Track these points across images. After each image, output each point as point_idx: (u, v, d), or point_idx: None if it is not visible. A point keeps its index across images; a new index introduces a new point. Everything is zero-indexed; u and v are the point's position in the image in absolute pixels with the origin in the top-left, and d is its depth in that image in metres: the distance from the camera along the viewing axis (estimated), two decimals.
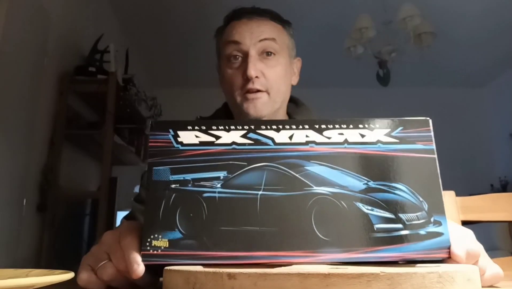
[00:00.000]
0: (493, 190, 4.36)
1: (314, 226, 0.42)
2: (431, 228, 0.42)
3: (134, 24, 3.58)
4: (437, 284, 0.32)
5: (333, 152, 0.45)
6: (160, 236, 0.42)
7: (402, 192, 0.44)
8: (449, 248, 0.42)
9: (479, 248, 0.45)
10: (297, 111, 0.95)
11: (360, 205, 0.43)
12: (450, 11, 3.40)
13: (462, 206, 0.97)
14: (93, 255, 0.47)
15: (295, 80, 0.94)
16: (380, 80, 3.18)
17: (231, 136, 0.46)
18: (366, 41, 2.91)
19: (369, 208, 0.43)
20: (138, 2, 3.31)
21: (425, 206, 0.43)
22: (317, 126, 0.46)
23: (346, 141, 0.46)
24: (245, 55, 0.83)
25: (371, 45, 2.98)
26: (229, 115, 0.94)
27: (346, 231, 0.42)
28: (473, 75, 4.68)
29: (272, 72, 0.84)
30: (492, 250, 3.32)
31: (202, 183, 0.44)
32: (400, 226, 0.42)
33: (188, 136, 0.46)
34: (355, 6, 3.12)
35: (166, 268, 0.39)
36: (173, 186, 0.44)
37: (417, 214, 0.43)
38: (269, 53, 0.84)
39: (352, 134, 0.46)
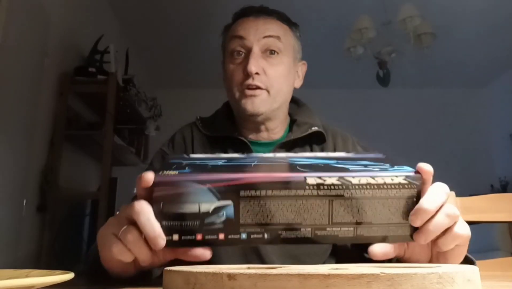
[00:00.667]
0: (493, 190, 4.35)
1: (299, 168, 0.48)
2: (396, 168, 0.48)
3: (134, 25, 3.58)
4: (437, 285, 0.32)
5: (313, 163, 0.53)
6: (170, 171, 0.46)
7: (367, 162, 0.51)
8: (415, 170, 0.46)
9: (453, 209, 0.46)
10: (298, 112, 0.95)
11: (335, 165, 0.50)
12: (450, 11, 3.40)
13: (462, 207, 0.97)
14: (112, 223, 0.47)
15: (298, 83, 0.93)
16: (380, 80, 3.18)
17: (233, 155, 0.59)
18: (366, 41, 2.91)
19: (342, 165, 0.49)
20: (138, 3, 3.31)
21: (388, 164, 0.49)
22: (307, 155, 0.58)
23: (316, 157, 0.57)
24: (248, 51, 0.83)
25: (371, 45, 2.98)
26: (229, 115, 0.94)
27: (327, 168, 0.49)
28: (473, 75, 4.68)
29: (274, 70, 0.84)
30: (492, 250, 3.32)
31: (207, 162, 0.53)
32: (370, 168, 0.47)
33: (197, 156, 0.58)
34: (355, 6, 3.12)
35: (166, 268, 0.39)
36: (184, 162, 0.52)
37: (382, 166, 0.48)
38: (273, 51, 0.84)
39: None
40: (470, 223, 0.92)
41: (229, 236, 0.43)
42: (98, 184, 2.50)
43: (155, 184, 0.44)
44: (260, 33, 0.84)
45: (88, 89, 2.45)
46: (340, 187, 0.44)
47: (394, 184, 0.44)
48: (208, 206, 0.43)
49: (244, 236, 0.44)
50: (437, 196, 0.44)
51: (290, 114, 0.94)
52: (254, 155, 0.59)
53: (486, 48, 4.04)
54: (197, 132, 0.92)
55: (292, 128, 0.91)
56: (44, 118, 2.24)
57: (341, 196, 0.44)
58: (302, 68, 0.94)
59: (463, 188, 1.69)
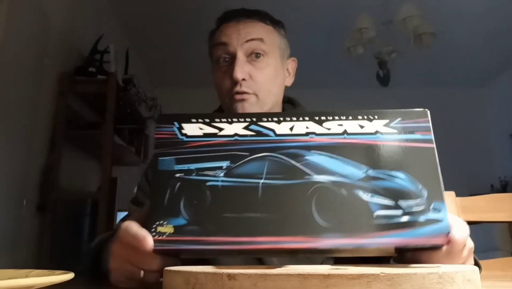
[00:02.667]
0: (493, 190, 4.35)
1: (314, 213, 0.42)
2: (430, 215, 0.42)
3: (134, 24, 3.58)
4: (437, 285, 0.32)
5: (333, 142, 0.46)
6: (165, 222, 0.43)
7: (401, 180, 0.44)
8: (448, 234, 0.42)
9: (471, 243, 0.47)
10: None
11: (360, 192, 0.43)
12: (450, 11, 3.40)
13: (462, 206, 0.97)
14: (120, 270, 0.49)
15: (289, 81, 0.92)
16: (380, 80, 3.18)
17: (234, 128, 0.47)
18: (366, 41, 2.91)
19: (369, 195, 0.43)
20: (138, 2, 3.31)
21: (425, 193, 0.44)
22: (317, 118, 0.48)
23: (345, 132, 0.47)
24: (233, 58, 0.82)
25: (371, 45, 2.98)
26: None
27: (346, 218, 0.42)
28: (473, 75, 4.67)
29: (261, 74, 0.83)
30: (492, 250, 3.32)
31: (205, 172, 0.45)
32: (399, 212, 0.43)
33: (192, 129, 0.47)
34: (355, 6, 3.12)
35: (166, 268, 0.39)
36: (177, 175, 0.45)
37: (416, 200, 0.43)
38: (258, 54, 0.83)
39: (351, 126, 0.47)
40: (470, 223, 0.92)
41: None
42: (98, 184, 2.50)
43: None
44: (242, 38, 0.82)
45: (88, 89, 2.45)
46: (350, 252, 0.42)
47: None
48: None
49: None
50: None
51: None
52: (264, 126, 0.47)
53: (486, 48, 4.03)
54: None
55: None
56: (44, 118, 2.24)
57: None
58: (292, 65, 0.93)
59: (463, 187, 1.69)
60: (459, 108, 4.93)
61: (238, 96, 0.82)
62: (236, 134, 0.47)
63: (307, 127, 0.47)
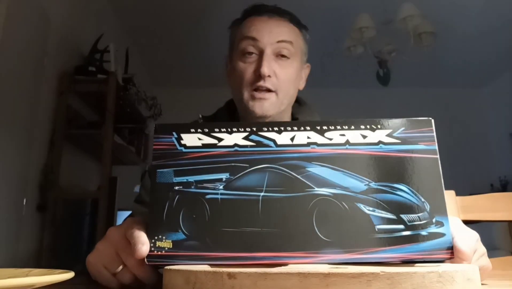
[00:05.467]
0: (493, 189, 4.35)
1: (315, 227, 0.42)
2: (433, 229, 0.42)
3: (134, 24, 3.58)
4: (437, 284, 0.32)
5: (335, 153, 0.45)
6: (164, 237, 0.43)
7: (404, 192, 0.44)
8: (451, 248, 0.42)
9: (483, 248, 0.46)
10: (299, 111, 0.95)
11: (361, 206, 0.43)
12: (451, 10, 3.40)
13: (462, 206, 0.97)
14: (102, 254, 0.48)
15: (302, 85, 0.94)
16: (380, 80, 3.18)
17: (233, 138, 0.46)
18: (366, 41, 2.91)
19: (371, 208, 0.43)
20: (138, 2, 3.31)
21: (427, 207, 0.43)
22: (318, 127, 0.47)
23: (347, 142, 0.46)
24: (261, 53, 0.83)
25: (371, 45, 2.98)
26: (231, 114, 0.94)
27: (347, 232, 0.42)
28: (473, 75, 4.67)
29: (284, 74, 0.84)
30: (492, 250, 3.32)
31: (205, 185, 0.45)
32: (401, 226, 0.42)
33: (191, 139, 0.47)
34: (355, 6, 3.11)
35: (166, 267, 0.39)
36: (176, 187, 0.45)
37: (419, 214, 0.43)
38: (284, 55, 0.85)
39: (353, 136, 0.46)
40: (470, 222, 0.93)
41: None
42: (98, 183, 2.50)
43: (148, 263, 0.43)
44: (274, 37, 0.84)
45: (88, 88, 2.44)
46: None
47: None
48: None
49: None
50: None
51: (292, 113, 0.95)
52: (265, 136, 0.46)
53: (486, 48, 4.03)
54: None
55: None
56: (44, 118, 2.24)
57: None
58: (306, 71, 0.95)
59: (463, 187, 1.69)
60: (459, 108, 4.93)
61: (258, 95, 0.82)
62: (236, 145, 0.46)
63: (308, 137, 0.46)
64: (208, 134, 0.47)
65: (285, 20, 0.87)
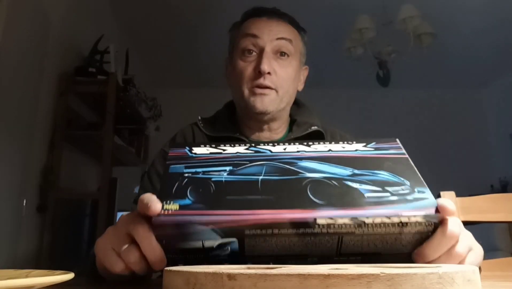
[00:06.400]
0: (493, 190, 4.35)
1: (310, 195, 0.46)
2: (417, 195, 0.46)
3: (134, 24, 3.58)
4: (437, 285, 0.32)
5: (320, 156, 0.54)
6: (171, 202, 0.45)
7: (384, 176, 0.49)
8: (436, 206, 0.44)
9: (467, 232, 0.48)
10: (298, 112, 0.96)
11: (349, 183, 0.48)
12: (450, 11, 3.40)
13: (462, 207, 0.97)
14: (111, 236, 0.48)
15: (300, 87, 0.95)
16: (380, 80, 3.18)
17: (236, 149, 0.56)
18: (366, 41, 2.91)
19: (358, 184, 0.48)
20: (138, 2, 3.31)
21: (407, 183, 0.48)
22: (305, 143, 0.57)
23: (330, 150, 0.55)
24: (261, 51, 0.85)
25: (371, 45, 2.98)
26: (230, 116, 0.94)
27: (340, 197, 0.46)
28: (473, 75, 4.68)
29: (284, 71, 0.85)
30: (492, 250, 3.32)
31: (211, 173, 0.50)
32: (387, 194, 0.46)
33: (200, 150, 0.56)
34: (355, 6, 3.12)
35: (166, 268, 0.39)
36: (186, 175, 0.50)
37: (401, 187, 0.47)
38: (283, 53, 0.86)
39: (334, 146, 0.56)
40: (470, 223, 0.93)
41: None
42: (98, 184, 2.50)
43: (155, 225, 0.43)
44: (274, 34, 0.85)
45: (88, 89, 2.45)
46: (352, 226, 0.42)
47: (410, 222, 0.43)
48: (212, 242, 0.43)
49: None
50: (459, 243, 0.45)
51: (290, 114, 0.95)
52: (262, 148, 0.55)
53: (486, 48, 4.04)
54: (198, 132, 0.93)
55: (292, 128, 0.93)
56: (44, 118, 2.24)
57: (352, 233, 0.43)
58: (304, 73, 0.96)
59: (463, 188, 1.69)
60: (459, 108, 4.93)
61: (259, 90, 0.84)
62: (238, 152, 0.55)
63: (297, 149, 0.55)
64: (214, 147, 0.56)
65: (284, 21, 0.89)
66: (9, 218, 1.89)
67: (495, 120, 4.86)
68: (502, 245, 3.46)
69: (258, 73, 0.83)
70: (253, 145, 0.56)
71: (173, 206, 0.44)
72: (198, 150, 0.55)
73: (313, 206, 0.44)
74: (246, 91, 0.85)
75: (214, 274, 0.33)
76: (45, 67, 2.21)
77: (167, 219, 0.43)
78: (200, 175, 0.49)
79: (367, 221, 0.42)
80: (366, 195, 0.45)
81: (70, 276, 0.38)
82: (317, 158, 0.52)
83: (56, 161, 2.26)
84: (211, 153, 0.54)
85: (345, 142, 0.57)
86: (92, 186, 2.77)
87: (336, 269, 0.34)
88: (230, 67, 0.91)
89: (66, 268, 0.45)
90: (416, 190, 0.46)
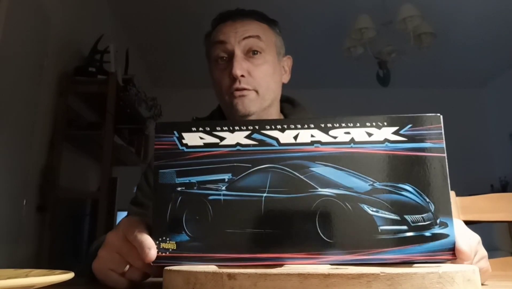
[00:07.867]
0: (493, 190, 4.35)
1: (318, 228, 0.42)
2: (437, 230, 0.42)
3: (134, 24, 3.58)
4: (437, 285, 0.32)
5: (339, 152, 0.44)
6: (168, 239, 0.43)
7: (409, 192, 0.43)
8: (453, 249, 0.41)
9: (484, 251, 0.46)
10: (293, 112, 0.95)
11: (365, 206, 0.43)
12: (450, 11, 3.40)
13: (462, 206, 0.97)
14: (105, 260, 0.49)
15: (286, 78, 0.93)
16: (380, 80, 3.18)
17: (235, 137, 0.46)
18: (366, 41, 2.91)
19: (374, 209, 0.43)
20: (138, 2, 3.31)
21: (432, 207, 0.43)
22: (322, 125, 0.45)
23: (352, 140, 0.45)
24: (231, 56, 0.83)
25: (371, 45, 2.98)
26: (224, 115, 0.94)
27: (350, 233, 0.42)
28: (473, 75, 4.67)
29: (259, 71, 0.84)
30: (492, 250, 3.32)
31: (207, 186, 0.45)
32: (405, 227, 0.42)
33: (192, 138, 0.46)
34: (355, 6, 3.12)
35: (166, 268, 0.39)
36: (179, 188, 0.45)
37: (423, 215, 0.43)
38: (255, 51, 0.84)
39: (358, 134, 0.45)
40: (470, 222, 0.93)
41: None
42: (98, 184, 2.50)
43: (154, 264, 0.44)
44: (240, 35, 0.84)
45: (88, 89, 2.45)
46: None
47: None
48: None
49: None
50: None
51: (285, 114, 0.94)
52: (267, 134, 0.45)
53: (486, 49, 4.03)
54: None
55: None
56: (44, 118, 2.24)
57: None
58: (288, 63, 0.94)
59: (463, 187, 1.69)
60: (459, 108, 4.93)
61: (237, 93, 0.83)
62: (238, 144, 0.45)
63: (312, 136, 0.45)
64: (209, 133, 0.46)
65: (250, 19, 0.87)
66: (9, 218, 1.89)
67: (496, 120, 4.86)
68: (502, 244, 3.46)
69: (233, 78, 0.82)
70: (256, 128, 0.45)
71: (170, 245, 0.43)
72: (189, 138, 0.46)
73: (320, 247, 0.41)
74: (227, 97, 0.84)
75: (214, 274, 0.33)
76: (45, 67, 2.21)
77: (165, 262, 0.43)
78: (195, 190, 0.44)
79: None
80: (380, 228, 0.42)
81: (69, 275, 0.38)
82: (334, 158, 0.44)
83: (56, 161, 2.25)
84: (205, 145, 0.45)
85: (374, 124, 0.45)
86: (92, 185, 2.77)
87: (336, 268, 0.34)
88: (211, 78, 0.91)
89: (65, 268, 0.45)
90: (438, 220, 0.42)
